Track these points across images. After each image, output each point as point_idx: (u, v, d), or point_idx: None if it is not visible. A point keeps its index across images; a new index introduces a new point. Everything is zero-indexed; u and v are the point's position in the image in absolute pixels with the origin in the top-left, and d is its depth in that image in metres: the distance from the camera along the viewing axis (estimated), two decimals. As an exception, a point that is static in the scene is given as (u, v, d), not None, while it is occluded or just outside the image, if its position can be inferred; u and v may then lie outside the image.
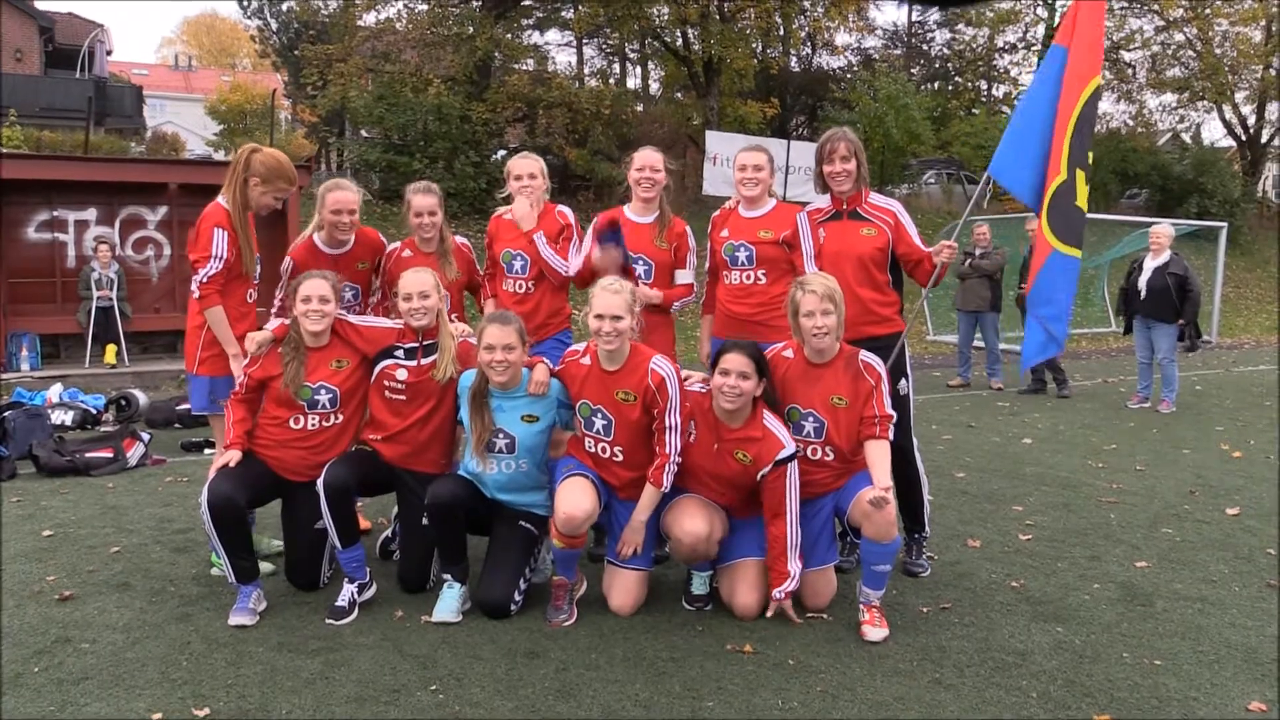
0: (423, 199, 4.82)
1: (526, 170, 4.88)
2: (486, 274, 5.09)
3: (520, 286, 4.86)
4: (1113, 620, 4.10)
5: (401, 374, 4.25)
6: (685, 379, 4.15)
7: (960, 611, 4.19)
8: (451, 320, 4.46)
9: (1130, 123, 31.28)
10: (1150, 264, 9.89)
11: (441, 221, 4.90)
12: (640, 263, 4.69)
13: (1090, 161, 4.54)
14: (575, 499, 3.94)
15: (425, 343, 4.27)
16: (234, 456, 4.09)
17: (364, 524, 5.03)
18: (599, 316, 3.91)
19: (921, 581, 4.59)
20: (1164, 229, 10.31)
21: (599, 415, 4.08)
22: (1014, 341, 14.01)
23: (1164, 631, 3.98)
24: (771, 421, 4.01)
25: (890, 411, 4.08)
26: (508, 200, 4.95)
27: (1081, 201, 4.50)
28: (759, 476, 4.00)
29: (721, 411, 4.02)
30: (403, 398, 4.27)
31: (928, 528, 4.81)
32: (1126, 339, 11.17)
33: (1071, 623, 4.07)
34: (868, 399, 4.06)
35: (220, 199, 4.44)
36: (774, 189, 4.91)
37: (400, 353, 4.28)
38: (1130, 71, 29.84)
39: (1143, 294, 9.88)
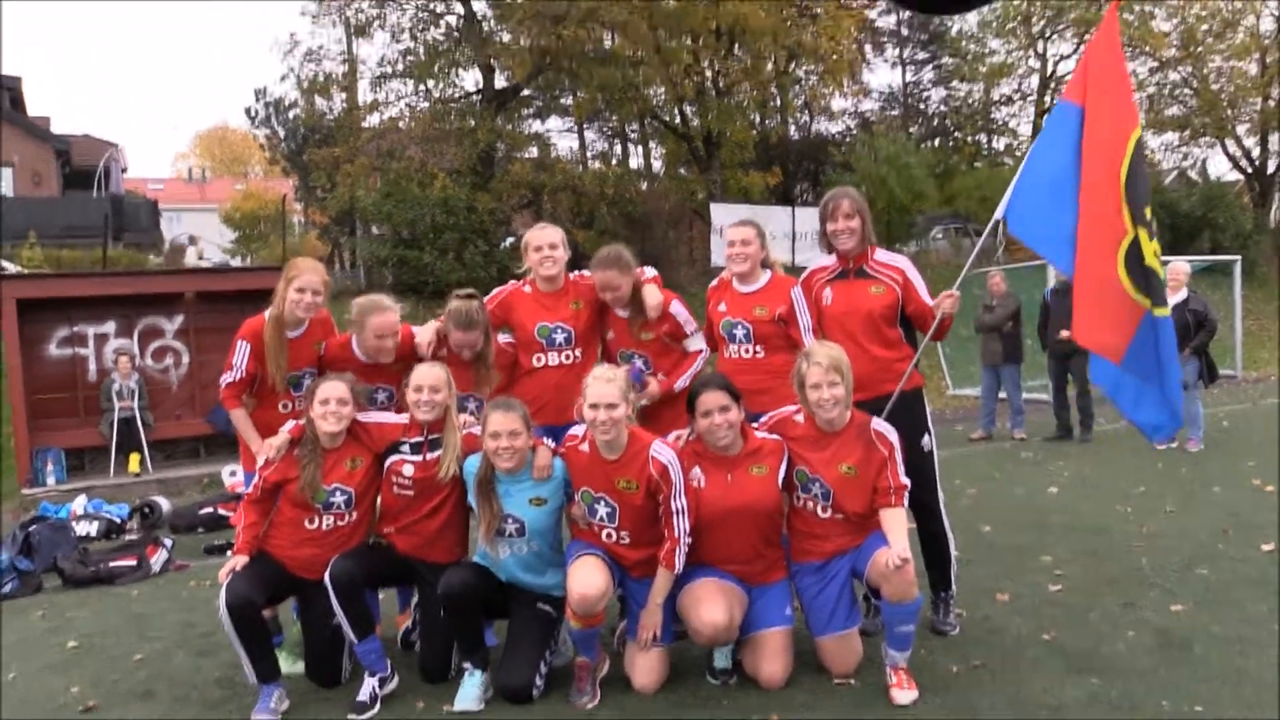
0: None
1: (547, 241, 4.70)
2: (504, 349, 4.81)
3: (567, 358, 4.68)
4: (1149, 668, 4.01)
5: (408, 470, 4.26)
6: (675, 443, 4.15)
7: (991, 668, 4.11)
8: (461, 412, 4.44)
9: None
10: (1168, 301, 9.81)
11: (485, 334, 4.60)
12: (638, 358, 4.72)
13: (1149, 218, 4.36)
14: (588, 578, 3.92)
15: (430, 437, 4.27)
16: (240, 561, 4.10)
17: (402, 619, 4.95)
18: (593, 406, 3.91)
19: (951, 640, 4.51)
20: (1180, 266, 10.27)
21: (602, 503, 4.08)
22: (1037, 390, 13.91)
23: (1203, 676, 3.89)
24: (762, 432, 4.19)
25: (904, 481, 4.06)
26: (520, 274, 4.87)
27: (1150, 260, 4.31)
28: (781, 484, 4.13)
29: (719, 448, 4.09)
30: (411, 493, 4.28)
31: (954, 586, 4.72)
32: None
33: (1107, 673, 3.97)
34: (880, 469, 4.05)
35: (266, 310, 4.58)
36: (773, 258, 4.86)
37: (406, 447, 4.28)
38: (1128, 114, 30.01)
39: (1161, 332, 9.78)
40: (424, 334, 4.67)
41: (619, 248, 4.74)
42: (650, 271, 4.81)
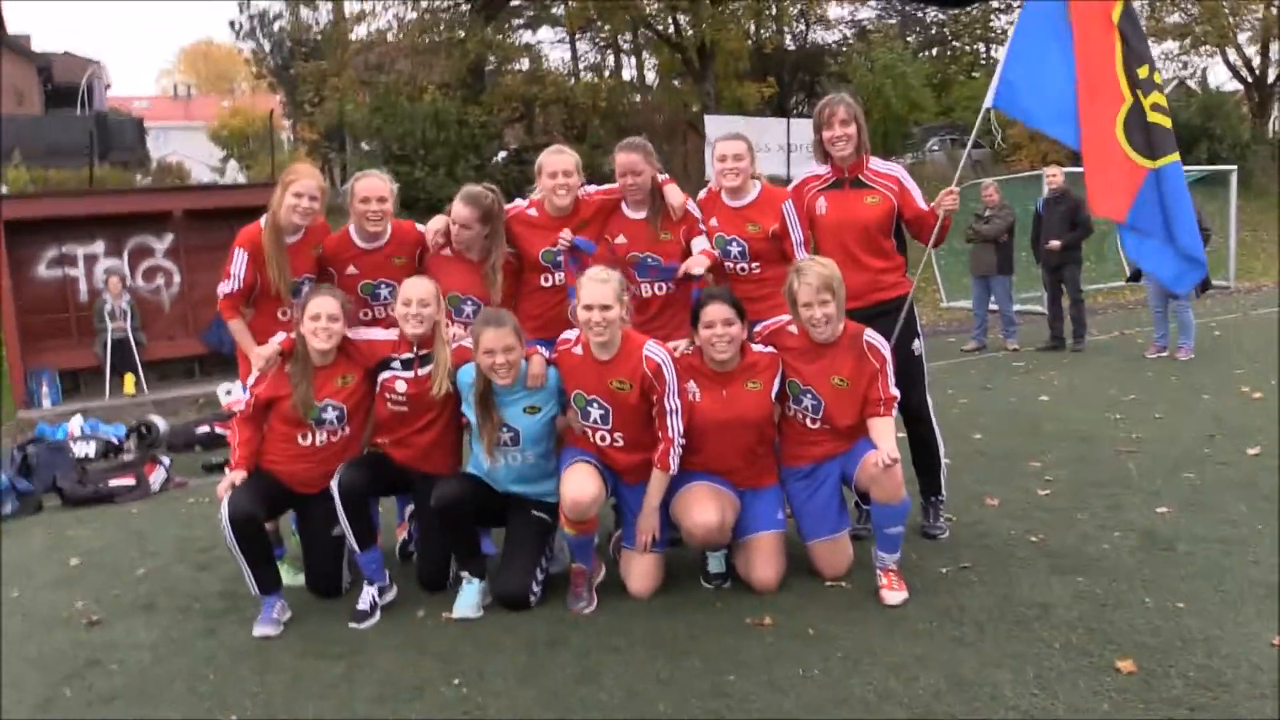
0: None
1: (562, 167, 4.50)
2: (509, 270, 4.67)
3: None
4: (1133, 567, 4.09)
5: (401, 386, 4.25)
6: (672, 350, 4.14)
7: (979, 570, 4.18)
8: (449, 326, 4.42)
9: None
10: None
11: (495, 230, 4.51)
12: (649, 259, 4.59)
13: (1146, 76, 4.38)
14: (580, 484, 3.96)
15: (421, 353, 4.25)
16: (238, 477, 4.12)
17: (400, 530, 5.01)
18: (588, 307, 3.89)
19: (940, 543, 4.58)
20: None
21: (595, 405, 4.08)
22: (1031, 302, 13.91)
23: (1185, 574, 3.96)
24: (757, 345, 4.17)
25: (894, 393, 4.09)
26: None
27: (1154, 118, 4.38)
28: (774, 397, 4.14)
29: (716, 362, 4.08)
30: (405, 408, 4.28)
31: (944, 491, 4.78)
32: (1139, 288, 11.02)
33: (1092, 572, 4.05)
34: (871, 381, 4.06)
35: (262, 218, 4.50)
36: (762, 174, 4.74)
37: (397, 364, 4.27)
38: (1129, 21, 29.43)
39: (1155, 240, 9.75)
40: (433, 223, 4.61)
41: (642, 138, 4.67)
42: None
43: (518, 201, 4.78)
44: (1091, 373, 9.34)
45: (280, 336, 4.29)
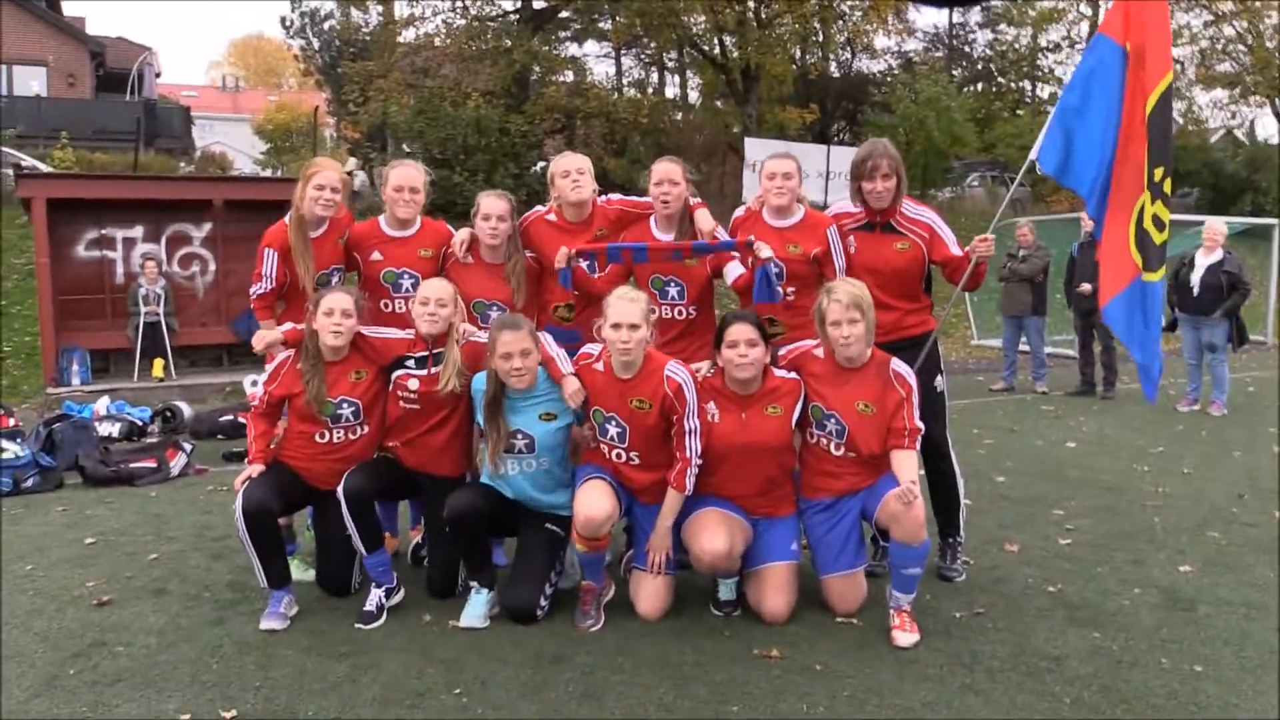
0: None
1: (574, 166, 4.55)
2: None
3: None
4: (1152, 625, 4.01)
5: (413, 384, 4.25)
6: (694, 371, 4.12)
7: (994, 616, 4.12)
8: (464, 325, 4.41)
9: (1180, 120, 30.64)
10: (1203, 261, 9.67)
11: (509, 233, 4.57)
12: (672, 284, 4.53)
13: (1159, 180, 4.29)
14: (594, 501, 3.94)
15: (435, 351, 4.25)
16: (255, 470, 4.15)
17: (391, 543, 4.99)
18: (616, 326, 3.88)
19: (956, 586, 4.51)
20: (1218, 225, 10.11)
21: (612, 423, 4.06)
22: (1063, 345, 13.77)
23: (1205, 637, 3.88)
24: (780, 370, 4.13)
25: (919, 424, 4.03)
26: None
27: (1148, 227, 4.32)
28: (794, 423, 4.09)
29: (737, 384, 4.04)
30: (416, 406, 4.28)
31: (963, 532, 4.72)
32: (1174, 339, 10.86)
33: (1109, 628, 3.97)
34: (897, 410, 4.01)
35: (286, 216, 4.57)
36: (805, 195, 4.70)
37: (411, 362, 4.27)
38: (1179, 68, 29.28)
39: (1195, 291, 9.65)
40: (460, 234, 4.65)
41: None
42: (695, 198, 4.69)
43: (537, 208, 4.80)
44: (1121, 422, 9.22)
45: (287, 325, 4.32)
